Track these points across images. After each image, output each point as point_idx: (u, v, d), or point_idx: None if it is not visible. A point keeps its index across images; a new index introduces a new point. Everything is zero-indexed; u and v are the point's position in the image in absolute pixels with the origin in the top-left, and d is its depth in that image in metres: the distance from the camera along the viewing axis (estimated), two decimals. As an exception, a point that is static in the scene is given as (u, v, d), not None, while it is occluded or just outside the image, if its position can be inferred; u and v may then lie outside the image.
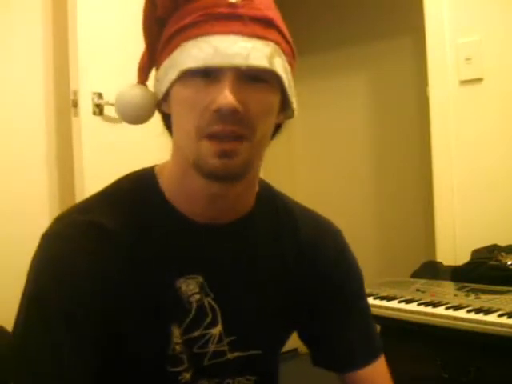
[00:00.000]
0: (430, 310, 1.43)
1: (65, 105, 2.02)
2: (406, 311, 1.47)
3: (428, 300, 1.49)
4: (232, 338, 0.80)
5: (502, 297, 1.45)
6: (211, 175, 0.72)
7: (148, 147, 1.95)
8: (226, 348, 0.80)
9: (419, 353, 1.46)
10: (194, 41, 0.70)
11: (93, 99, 1.99)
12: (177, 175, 0.79)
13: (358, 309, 0.90)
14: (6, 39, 1.92)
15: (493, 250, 1.73)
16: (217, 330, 0.79)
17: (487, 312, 1.34)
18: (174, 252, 0.78)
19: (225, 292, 0.79)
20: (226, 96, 0.68)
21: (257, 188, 0.85)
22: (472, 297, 1.49)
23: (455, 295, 1.53)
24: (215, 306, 0.79)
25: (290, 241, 0.86)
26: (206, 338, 0.79)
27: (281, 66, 0.72)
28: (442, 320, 1.38)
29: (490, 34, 1.97)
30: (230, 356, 0.80)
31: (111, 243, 0.75)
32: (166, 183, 0.80)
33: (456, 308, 1.40)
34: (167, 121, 0.79)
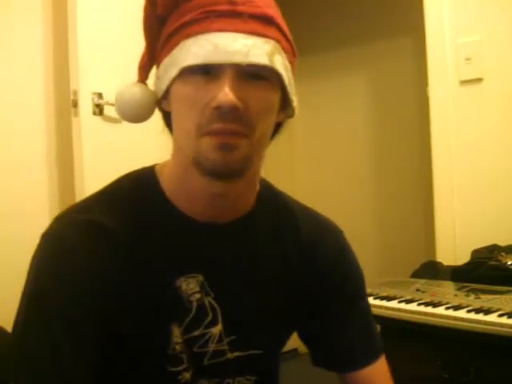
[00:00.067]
0: (430, 310, 1.43)
1: (65, 105, 2.02)
2: (406, 311, 1.47)
3: (428, 300, 1.49)
4: (232, 337, 0.80)
5: (502, 297, 1.45)
6: (211, 171, 0.71)
7: (148, 147, 1.95)
8: (226, 347, 0.80)
9: (419, 353, 1.46)
10: (194, 38, 0.70)
11: (93, 99, 1.99)
12: (177, 174, 0.78)
13: (358, 308, 0.90)
14: (6, 39, 1.92)
15: (493, 250, 1.73)
16: (217, 329, 0.79)
17: (487, 312, 1.34)
18: (174, 251, 0.78)
19: (225, 291, 0.79)
20: (226, 93, 0.68)
21: (258, 187, 0.85)
22: (472, 297, 1.49)
23: (455, 295, 1.53)
24: (215, 305, 0.79)
25: (291, 240, 0.86)
26: (206, 337, 0.79)
27: (281, 63, 0.72)
28: (442, 320, 1.38)
29: (490, 34, 1.97)
30: (230, 356, 0.80)
31: (111, 243, 0.75)
32: (166, 182, 0.80)
33: (456, 308, 1.40)
34: (167, 119, 0.79)
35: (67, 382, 0.68)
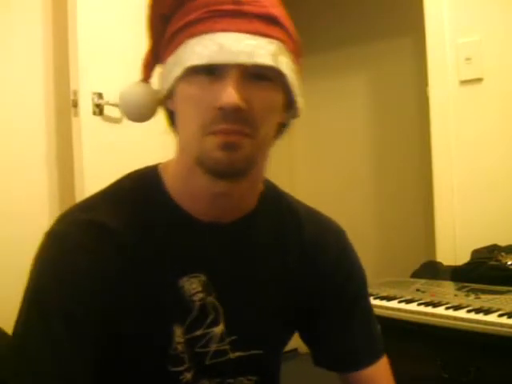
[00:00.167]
0: (430, 310, 1.43)
1: (65, 105, 2.02)
2: (406, 311, 1.47)
3: (428, 300, 1.49)
4: (233, 337, 0.80)
5: (502, 297, 1.45)
6: (215, 171, 0.72)
7: (148, 147, 1.95)
8: (227, 347, 0.80)
9: (419, 353, 1.46)
10: (199, 38, 0.70)
11: (93, 99, 1.99)
12: (181, 173, 0.78)
13: (360, 308, 0.90)
14: (6, 39, 1.92)
15: (493, 250, 1.73)
16: (219, 329, 0.79)
17: (487, 312, 1.34)
18: (176, 251, 0.78)
19: (227, 291, 0.79)
20: (230, 94, 0.68)
21: (261, 187, 0.85)
22: (472, 297, 1.49)
23: (455, 295, 1.53)
24: (218, 305, 0.79)
25: (292, 240, 0.85)
26: (208, 337, 0.78)
27: (285, 64, 0.72)
28: (442, 320, 1.38)
29: (490, 34, 1.97)
30: (231, 355, 0.80)
31: (113, 242, 0.75)
32: (169, 181, 0.80)
33: (456, 308, 1.40)
34: (171, 118, 0.79)
35: (67, 382, 0.68)
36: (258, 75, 0.71)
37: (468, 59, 1.99)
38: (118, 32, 2.07)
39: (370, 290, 1.59)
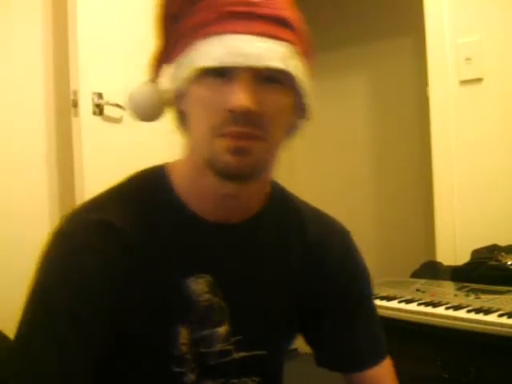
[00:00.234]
0: (430, 310, 1.43)
1: (65, 105, 2.01)
2: (406, 311, 1.47)
3: (428, 300, 1.49)
4: (238, 337, 0.80)
5: (502, 297, 1.45)
6: (224, 173, 0.72)
7: (148, 147, 1.95)
8: (231, 348, 0.80)
9: (419, 353, 1.46)
10: (209, 39, 0.70)
11: (93, 99, 1.99)
12: (190, 174, 0.78)
13: (364, 309, 0.90)
14: (6, 39, 1.92)
15: (493, 250, 1.73)
16: (224, 329, 0.79)
17: (487, 312, 1.34)
18: (183, 251, 0.78)
19: (234, 291, 0.79)
20: (241, 96, 0.68)
21: (268, 188, 0.85)
22: (472, 297, 1.49)
23: (455, 295, 1.53)
24: (224, 305, 0.79)
25: (296, 240, 0.85)
26: (213, 337, 0.78)
27: (296, 67, 0.72)
28: (442, 320, 1.38)
29: (490, 34, 1.97)
30: (235, 356, 0.80)
31: (120, 242, 0.74)
32: (177, 181, 0.80)
33: (456, 308, 1.40)
34: (180, 118, 0.78)
35: (68, 382, 0.68)
36: (268, 78, 0.70)
37: (468, 59, 2.00)
38: (118, 32, 2.07)
39: (370, 290, 1.59)
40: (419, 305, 1.47)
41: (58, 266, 0.73)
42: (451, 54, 2.03)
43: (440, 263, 1.92)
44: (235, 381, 0.82)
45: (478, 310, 1.36)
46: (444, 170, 2.06)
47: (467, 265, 1.72)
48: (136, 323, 0.75)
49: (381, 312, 1.48)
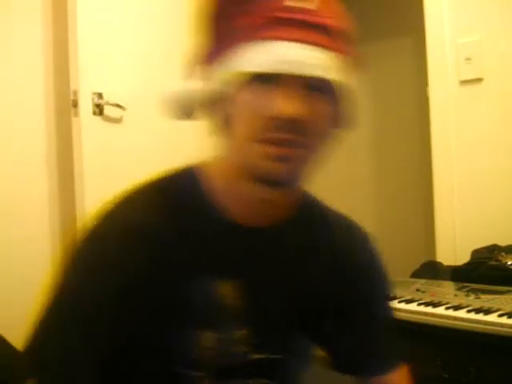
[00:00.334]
0: (430, 310, 1.43)
1: (65, 105, 2.01)
2: (406, 311, 1.47)
3: (428, 300, 1.49)
4: (257, 340, 0.79)
5: (502, 297, 1.45)
6: (264, 179, 0.71)
7: (148, 147, 1.95)
8: (249, 350, 0.79)
9: (419, 353, 1.46)
10: (253, 44, 0.69)
11: (93, 99, 1.99)
12: (225, 177, 0.78)
13: (383, 314, 0.90)
14: (6, 39, 1.92)
15: (493, 250, 1.73)
16: (244, 333, 0.78)
17: (487, 312, 1.34)
18: (210, 254, 0.77)
19: (259, 295, 0.78)
20: (288, 104, 0.68)
21: (300, 193, 0.85)
22: (472, 297, 1.49)
23: (455, 295, 1.53)
24: (247, 309, 0.78)
25: (325, 247, 0.85)
26: (233, 340, 0.77)
27: (339, 76, 0.72)
28: (442, 320, 1.39)
29: (490, 34, 1.97)
30: (252, 358, 0.79)
31: (145, 243, 0.73)
32: (210, 184, 0.79)
33: (456, 308, 1.40)
34: (219, 120, 0.77)
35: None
36: (312, 86, 0.70)
37: (468, 59, 2.00)
38: (118, 32, 2.07)
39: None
40: (419, 305, 1.47)
41: (85, 267, 0.73)
42: (451, 54, 2.03)
43: (440, 263, 1.92)
44: (250, 382, 0.81)
45: (478, 310, 1.36)
46: (444, 170, 2.06)
47: (467, 265, 1.72)
48: (158, 325, 0.74)
49: (381, 312, 1.49)
